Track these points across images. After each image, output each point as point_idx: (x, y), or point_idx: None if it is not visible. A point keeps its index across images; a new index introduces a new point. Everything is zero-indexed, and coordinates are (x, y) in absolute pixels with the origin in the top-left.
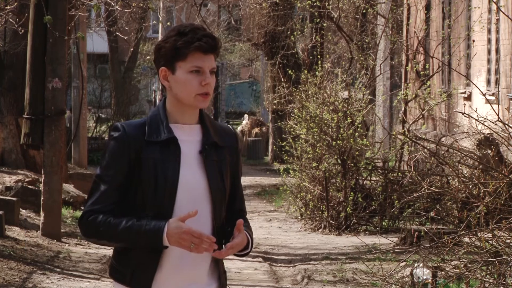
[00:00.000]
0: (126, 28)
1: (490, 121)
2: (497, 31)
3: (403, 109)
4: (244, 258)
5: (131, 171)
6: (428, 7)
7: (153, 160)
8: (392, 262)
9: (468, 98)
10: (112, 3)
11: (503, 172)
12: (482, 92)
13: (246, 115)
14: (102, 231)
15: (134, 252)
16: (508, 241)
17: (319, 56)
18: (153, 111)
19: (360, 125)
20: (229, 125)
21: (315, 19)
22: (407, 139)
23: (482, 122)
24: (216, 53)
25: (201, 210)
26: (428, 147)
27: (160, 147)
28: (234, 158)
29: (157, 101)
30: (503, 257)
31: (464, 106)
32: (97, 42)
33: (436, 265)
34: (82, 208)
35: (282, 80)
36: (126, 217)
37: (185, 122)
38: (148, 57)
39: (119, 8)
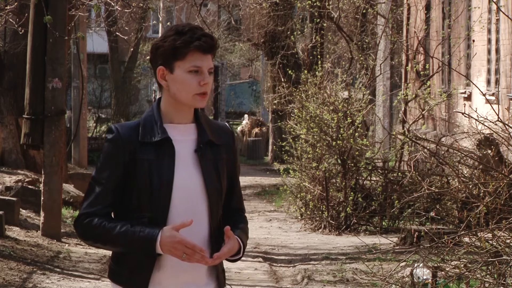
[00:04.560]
0: (126, 28)
1: (490, 121)
2: (497, 31)
3: (403, 109)
4: (244, 258)
5: (126, 173)
6: (428, 7)
7: (148, 161)
8: (392, 262)
9: (468, 98)
10: (112, 3)
11: (503, 172)
12: (482, 92)
13: (246, 115)
14: (97, 234)
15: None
16: (508, 241)
17: (319, 56)
18: (147, 112)
19: (360, 125)
20: (225, 123)
21: (315, 19)
22: (407, 139)
23: (482, 122)
24: (214, 53)
25: (197, 210)
26: (428, 147)
27: (155, 148)
28: (231, 157)
29: None
30: (503, 257)
31: (464, 106)
32: (97, 42)
33: (436, 265)
34: None
35: (282, 80)
36: (121, 221)
37: (179, 122)
38: (148, 57)
39: (119, 8)
